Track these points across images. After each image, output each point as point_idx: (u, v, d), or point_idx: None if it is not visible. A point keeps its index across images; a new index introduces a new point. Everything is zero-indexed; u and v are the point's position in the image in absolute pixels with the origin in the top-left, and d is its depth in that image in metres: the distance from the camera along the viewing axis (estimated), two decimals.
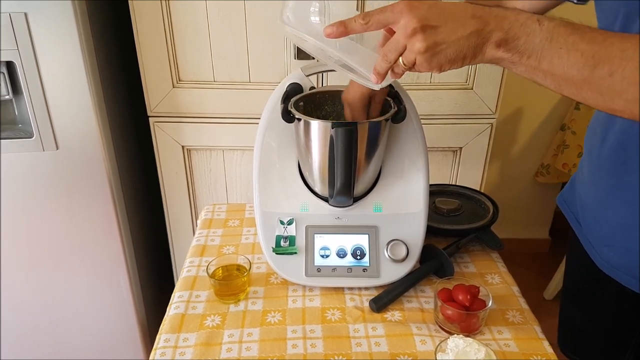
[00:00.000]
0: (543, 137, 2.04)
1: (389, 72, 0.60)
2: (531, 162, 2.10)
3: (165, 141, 1.40)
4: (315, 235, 0.88)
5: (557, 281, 1.98)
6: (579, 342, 0.93)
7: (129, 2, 1.23)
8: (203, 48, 1.30)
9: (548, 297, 2.02)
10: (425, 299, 0.87)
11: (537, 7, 0.78)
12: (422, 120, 0.89)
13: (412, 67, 0.58)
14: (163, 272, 1.69)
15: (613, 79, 0.51)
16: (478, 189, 1.16)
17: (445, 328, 0.79)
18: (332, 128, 0.76)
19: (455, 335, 0.71)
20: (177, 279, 0.94)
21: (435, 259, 0.91)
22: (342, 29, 0.58)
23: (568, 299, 0.94)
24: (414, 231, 0.88)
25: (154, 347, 0.78)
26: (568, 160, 1.94)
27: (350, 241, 0.87)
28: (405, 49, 0.56)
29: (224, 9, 1.26)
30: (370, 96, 0.82)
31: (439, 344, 0.70)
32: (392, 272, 0.87)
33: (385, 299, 0.84)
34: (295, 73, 0.88)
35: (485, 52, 0.55)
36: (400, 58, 0.57)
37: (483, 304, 0.78)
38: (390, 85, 0.85)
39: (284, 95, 0.84)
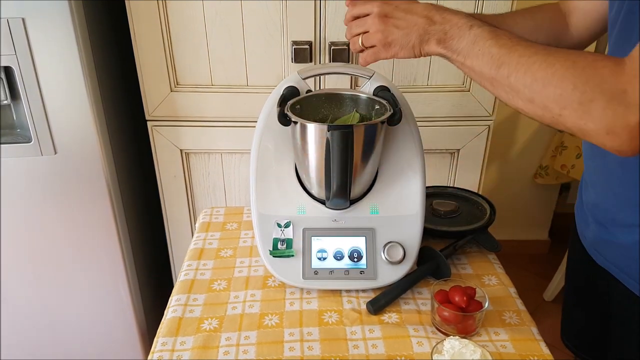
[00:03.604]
0: (541, 138, 2.04)
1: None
2: (529, 164, 2.10)
3: (164, 145, 1.41)
4: (313, 237, 0.88)
5: (556, 282, 1.98)
6: (580, 336, 0.94)
7: (127, 6, 1.24)
8: (201, 52, 1.31)
9: (548, 298, 2.02)
10: (422, 300, 0.87)
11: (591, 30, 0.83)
12: (419, 122, 0.89)
13: (368, 47, 0.72)
14: (162, 275, 1.69)
15: (510, 80, 0.61)
16: (476, 191, 1.16)
17: (442, 329, 0.79)
18: (328, 131, 0.76)
19: (452, 336, 0.71)
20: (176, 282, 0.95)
21: (432, 261, 0.91)
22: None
23: (570, 293, 0.96)
24: (411, 233, 0.88)
25: (152, 350, 0.78)
26: (566, 162, 1.95)
27: (347, 243, 0.88)
28: (367, 31, 0.72)
29: (221, 12, 1.26)
30: None
31: (435, 346, 0.70)
32: (389, 274, 0.87)
33: (383, 301, 0.84)
34: (292, 76, 0.88)
35: (429, 45, 0.68)
36: (360, 37, 0.72)
37: (479, 305, 0.78)
38: (387, 88, 0.86)
39: (280, 98, 0.84)
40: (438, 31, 0.67)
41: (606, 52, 0.76)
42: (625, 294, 0.75)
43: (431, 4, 0.70)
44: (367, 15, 0.71)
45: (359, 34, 0.72)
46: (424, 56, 0.71)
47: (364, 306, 0.85)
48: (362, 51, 0.74)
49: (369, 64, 0.75)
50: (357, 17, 0.73)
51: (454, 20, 0.67)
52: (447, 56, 0.68)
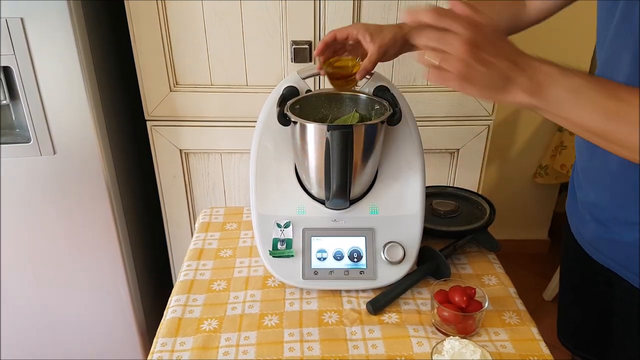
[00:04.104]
0: (541, 138, 2.04)
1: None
2: (529, 163, 2.10)
3: (163, 145, 1.41)
4: (312, 238, 0.88)
5: (556, 282, 1.98)
6: (578, 334, 0.95)
7: (126, 6, 1.24)
8: (200, 52, 1.30)
9: (547, 297, 2.02)
10: (422, 300, 0.87)
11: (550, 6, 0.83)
12: (419, 122, 0.89)
13: (444, 68, 0.58)
14: (162, 275, 1.69)
15: (620, 132, 0.56)
16: (476, 191, 1.16)
17: (442, 330, 0.79)
18: (328, 131, 0.76)
19: (452, 336, 0.71)
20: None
21: (432, 261, 0.91)
22: (414, 16, 0.60)
23: (566, 291, 0.97)
24: (411, 233, 0.88)
25: (151, 350, 0.78)
26: (566, 161, 1.95)
27: (347, 244, 0.88)
28: (446, 51, 0.58)
29: (220, 12, 1.26)
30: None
31: (435, 346, 0.70)
32: (389, 274, 0.87)
33: (382, 301, 0.84)
34: (291, 76, 0.88)
35: (513, 94, 0.58)
36: (438, 56, 0.58)
37: (479, 305, 0.78)
38: (386, 88, 0.86)
39: (280, 98, 0.84)
40: (525, 79, 0.57)
41: (596, 57, 0.75)
42: (628, 290, 0.75)
43: (516, 47, 0.60)
44: (449, 31, 0.58)
45: (433, 49, 0.58)
46: (500, 103, 0.64)
47: (363, 306, 0.85)
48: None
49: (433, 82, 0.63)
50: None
51: (542, 67, 0.58)
52: (537, 107, 0.59)
